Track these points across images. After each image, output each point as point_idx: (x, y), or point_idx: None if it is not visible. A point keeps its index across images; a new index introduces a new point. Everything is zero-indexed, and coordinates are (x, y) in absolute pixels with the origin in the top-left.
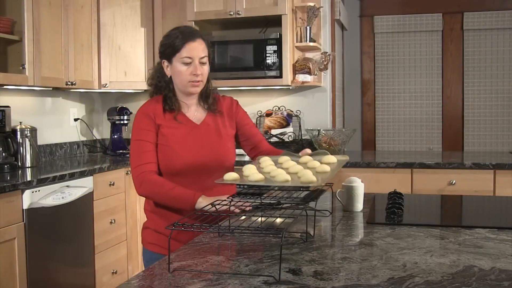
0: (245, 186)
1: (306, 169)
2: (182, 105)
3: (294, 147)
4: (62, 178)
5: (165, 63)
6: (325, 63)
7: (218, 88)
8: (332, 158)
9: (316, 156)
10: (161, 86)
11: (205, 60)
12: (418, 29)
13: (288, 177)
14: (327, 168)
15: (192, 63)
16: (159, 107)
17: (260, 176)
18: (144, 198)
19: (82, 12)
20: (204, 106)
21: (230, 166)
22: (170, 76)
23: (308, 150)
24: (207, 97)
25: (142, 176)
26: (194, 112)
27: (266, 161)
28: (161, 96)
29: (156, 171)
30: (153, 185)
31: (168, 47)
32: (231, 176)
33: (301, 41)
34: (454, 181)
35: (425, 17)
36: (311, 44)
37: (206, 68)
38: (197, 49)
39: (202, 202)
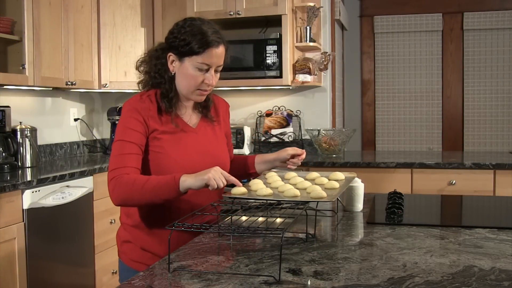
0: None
1: (315, 185)
2: (180, 107)
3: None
4: (62, 178)
5: (172, 57)
6: (325, 63)
7: (218, 88)
8: (340, 175)
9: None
10: (160, 82)
11: (221, 68)
12: (418, 29)
13: (297, 192)
14: (336, 184)
15: (208, 71)
16: (154, 108)
17: (268, 191)
18: None
19: (82, 12)
20: (199, 109)
21: (227, 171)
22: (174, 73)
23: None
24: (206, 100)
25: (113, 182)
26: (190, 114)
27: (273, 177)
28: (153, 93)
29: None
30: (124, 187)
31: (184, 44)
32: (239, 190)
33: (301, 41)
34: (454, 181)
35: (425, 17)
36: (311, 44)
37: (218, 76)
38: (217, 57)
39: (187, 180)
